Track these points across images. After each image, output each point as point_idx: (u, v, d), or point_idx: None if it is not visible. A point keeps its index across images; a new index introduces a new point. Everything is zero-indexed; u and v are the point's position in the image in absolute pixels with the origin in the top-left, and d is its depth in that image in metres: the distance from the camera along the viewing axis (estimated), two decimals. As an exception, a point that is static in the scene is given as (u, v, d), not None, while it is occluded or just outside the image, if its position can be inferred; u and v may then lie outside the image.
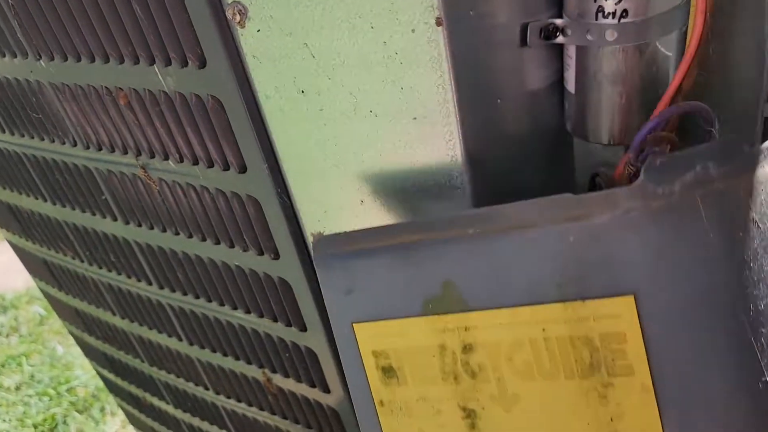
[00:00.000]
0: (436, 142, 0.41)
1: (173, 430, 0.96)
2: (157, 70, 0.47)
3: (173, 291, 0.68)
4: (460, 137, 0.41)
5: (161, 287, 0.69)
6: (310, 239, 0.53)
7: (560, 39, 0.48)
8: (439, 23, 0.36)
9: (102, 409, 1.79)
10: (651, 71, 0.48)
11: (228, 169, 0.50)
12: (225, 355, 0.71)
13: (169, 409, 0.91)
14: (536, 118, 0.52)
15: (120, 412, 1.60)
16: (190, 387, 0.82)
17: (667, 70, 0.46)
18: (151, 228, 0.62)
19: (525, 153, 0.52)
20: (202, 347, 0.73)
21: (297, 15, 0.40)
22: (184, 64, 0.45)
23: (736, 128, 0.56)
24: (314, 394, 0.66)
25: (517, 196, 0.52)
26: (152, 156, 0.54)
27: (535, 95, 0.51)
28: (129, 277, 0.71)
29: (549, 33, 0.48)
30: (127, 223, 0.64)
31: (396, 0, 0.36)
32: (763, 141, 0.56)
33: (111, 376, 1.01)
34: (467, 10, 0.38)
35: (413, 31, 0.37)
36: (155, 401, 0.94)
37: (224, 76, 0.44)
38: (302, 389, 0.67)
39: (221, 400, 0.79)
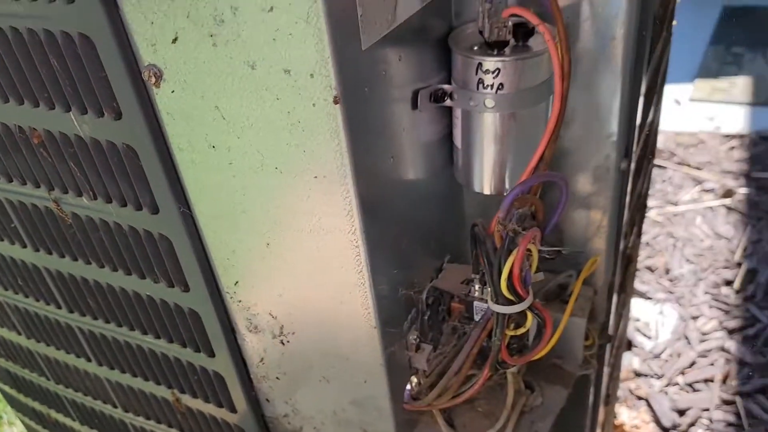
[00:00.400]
0: (335, 198, 0.46)
1: (78, 445, 0.96)
2: (72, 117, 0.49)
3: (83, 315, 0.69)
4: (355, 193, 0.46)
5: (71, 311, 0.70)
6: (219, 274, 0.57)
7: (448, 102, 0.55)
8: (336, 101, 0.41)
9: (-1, 420, 1.72)
10: (524, 134, 0.55)
11: (141, 209, 0.53)
12: (134, 375, 0.73)
13: (75, 425, 0.92)
14: (429, 167, 0.58)
15: (18, 422, 1.55)
16: (97, 404, 0.83)
17: (538, 133, 0.54)
18: (62, 256, 0.63)
19: (419, 198, 0.58)
20: (112, 368, 0.74)
21: (209, 82, 0.44)
22: (100, 114, 0.48)
23: (598, 178, 0.65)
24: (221, 413, 0.69)
25: (412, 235, 0.58)
26: (65, 192, 0.56)
27: (428, 148, 0.58)
28: (37, 300, 0.72)
29: (438, 97, 0.54)
30: (37, 250, 0.65)
31: (299, 78, 0.41)
32: (618, 191, 0.65)
33: (13, 392, 0.99)
34: (362, 87, 0.44)
35: (314, 105, 0.42)
36: (60, 417, 0.94)
37: (139, 128, 0.47)
38: (210, 409, 0.70)
39: (130, 418, 0.81)
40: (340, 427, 0.64)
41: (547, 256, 0.68)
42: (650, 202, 2.18)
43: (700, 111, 2.68)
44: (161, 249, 0.55)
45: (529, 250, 0.50)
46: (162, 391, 0.73)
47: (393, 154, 0.51)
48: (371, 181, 0.48)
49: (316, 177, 0.46)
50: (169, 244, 0.55)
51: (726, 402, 1.49)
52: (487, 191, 0.58)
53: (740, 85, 2.83)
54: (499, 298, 0.51)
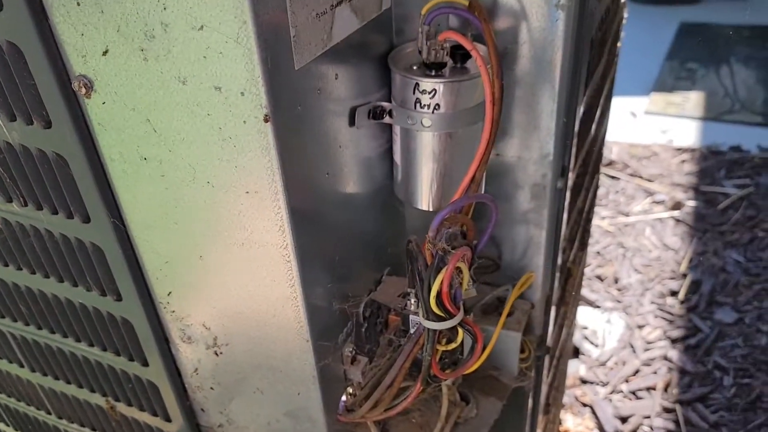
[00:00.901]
0: (266, 213, 0.47)
1: (13, 450, 0.94)
2: (1, 123, 0.48)
3: (15, 321, 0.68)
4: (287, 209, 0.46)
5: (2, 316, 0.68)
6: (153, 284, 0.56)
7: (387, 120, 0.55)
8: (266, 120, 0.42)
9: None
10: (461, 153, 0.56)
11: (72, 218, 0.52)
12: (68, 382, 0.72)
13: (9, 431, 0.89)
14: (369, 181, 0.59)
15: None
16: (31, 411, 0.81)
17: (475, 152, 0.55)
18: (-8, 261, 0.62)
19: (358, 212, 0.59)
20: (45, 374, 0.73)
21: (140, 95, 0.43)
22: (29, 122, 0.47)
23: (535, 196, 0.67)
24: (156, 422, 0.69)
25: (350, 248, 0.58)
26: (-5, 197, 0.55)
27: (368, 163, 0.58)
28: (-33, 304, 0.70)
29: (377, 114, 0.55)
30: (-34, 254, 0.63)
31: (229, 95, 0.41)
32: (555, 208, 0.67)
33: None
34: (295, 106, 0.44)
35: (245, 122, 0.42)
36: (-6, 422, 0.92)
37: (69, 137, 0.47)
38: (145, 417, 0.69)
39: (64, 424, 0.80)
40: (275, 437, 0.64)
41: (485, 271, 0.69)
42: (603, 212, 2.24)
43: (654, 124, 2.76)
44: (93, 258, 0.55)
45: (459, 268, 0.51)
46: (96, 399, 0.72)
47: (329, 171, 0.51)
48: (305, 196, 0.48)
49: (247, 192, 0.46)
50: (101, 253, 0.54)
51: (666, 410, 1.54)
52: (425, 207, 0.59)
53: (693, 99, 2.92)
54: (429, 314, 0.52)
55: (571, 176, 0.71)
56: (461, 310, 0.53)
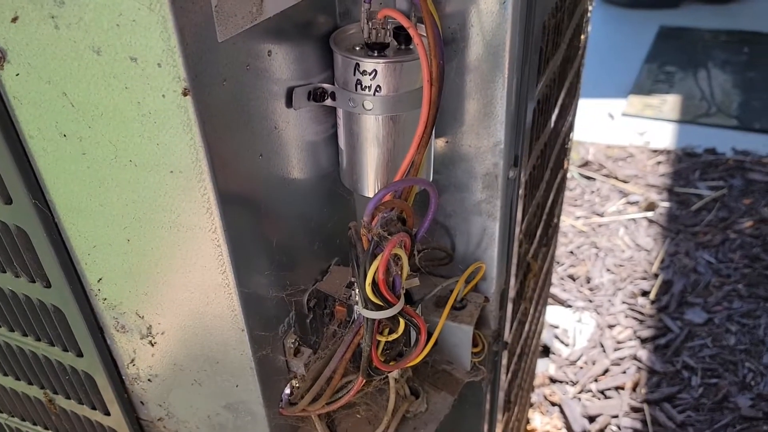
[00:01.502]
0: (193, 194, 0.45)
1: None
2: None
3: (-54, 310, 0.65)
4: (214, 190, 0.44)
5: (-67, 305, 0.66)
6: (83, 269, 0.54)
7: (329, 102, 0.54)
8: (186, 93, 0.40)
9: None
10: (405, 137, 0.54)
11: (-7, 200, 0.50)
12: (5, 374, 0.69)
13: (-50, 426, 0.86)
14: (311, 167, 0.57)
15: None
16: (-30, 405, 0.78)
17: (419, 138, 0.53)
18: None
19: (299, 198, 0.57)
20: (-19, 366, 0.70)
21: (54, 66, 0.41)
22: (-59, 95, 0.45)
23: (487, 186, 0.65)
24: (95, 415, 0.66)
25: (290, 236, 0.57)
26: None
27: (310, 147, 0.56)
28: None
29: (317, 96, 0.53)
30: None
31: (146, 67, 0.39)
32: (508, 199, 0.66)
33: None
34: (220, 81, 0.42)
35: (164, 96, 0.40)
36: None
37: (-17, 113, 0.44)
38: (84, 411, 0.67)
39: (4, 418, 0.77)
40: (215, 431, 0.62)
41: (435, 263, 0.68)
42: (577, 212, 2.24)
43: (631, 126, 2.77)
44: (18, 242, 0.52)
45: (397, 255, 0.49)
46: (34, 392, 0.69)
47: (262, 152, 0.49)
48: (234, 178, 0.46)
49: (171, 172, 0.44)
50: (26, 236, 0.52)
51: (634, 409, 1.54)
52: (371, 195, 0.58)
53: (670, 102, 2.93)
54: (366, 303, 0.50)
55: (525, 167, 0.69)
56: (401, 299, 0.52)
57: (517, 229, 0.73)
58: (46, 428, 0.74)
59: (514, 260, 0.75)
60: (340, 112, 0.55)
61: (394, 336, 0.54)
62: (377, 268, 0.47)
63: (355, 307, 0.59)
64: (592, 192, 2.34)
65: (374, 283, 0.48)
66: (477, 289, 0.72)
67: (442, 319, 0.62)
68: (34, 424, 0.75)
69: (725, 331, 1.70)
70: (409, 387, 0.68)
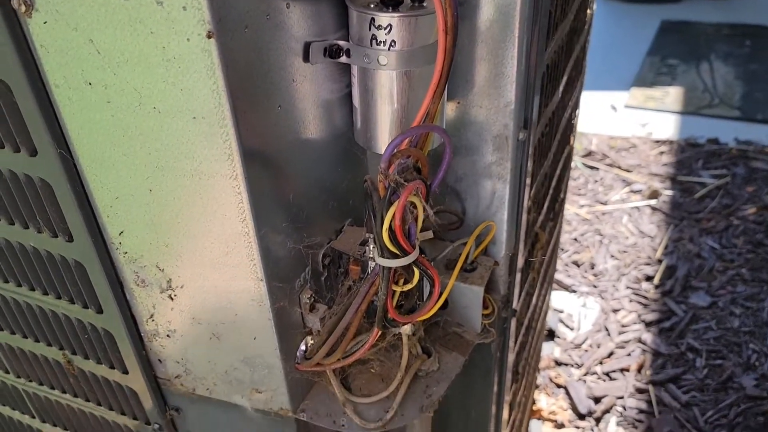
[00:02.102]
0: (215, 141, 0.46)
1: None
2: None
3: (-33, 271, 0.66)
4: (236, 137, 0.46)
5: (-46, 267, 0.67)
6: (104, 223, 0.55)
7: (344, 59, 0.55)
8: (210, 36, 0.41)
9: None
10: (418, 93, 0.56)
11: (19, 152, 0.51)
12: (24, 336, 0.71)
13: (-33, 395, 0.88)
14: (326, 124, 0.58)
15: None
16: (-11, 371, 0.80)
17: (432, 94, 0.54)
18: (-58, 205, 0.61)
19: (314, 155, 0.58)
20: (1, 329, 0.72)
21: (82, 12, 0.42)
22: (-30, 45, 0.46)
23: (498, 147, 0.66)
24: (114, 375, 0.68)
25: (306, 191, 0.58)
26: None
27: (325, 105, 0.57)
28: None
29: (333, 52, 0.54)
30: None
31: (172, 11, 0.41)
32: (518, 161, 0.67)
33: None
34: (242, 27, 0.43)
35: (188, 40, 0.42)
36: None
37: (11, 61, 0.46)
38: (102, 371, 0.68)
39: (22, 383, 0.78)
40: (232, 387, 0.63)
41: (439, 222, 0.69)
42: (581, 201, 2.25)
43: (634, 117, 2.78)
44: (42, 195, 0.54)
45: (413, 204, 0.50)
46: (53, 353, 0.70)
47: (281, 103, 0.50)
48: (255, 127, 0.48)
49: (194, 118, 0.45)
50: (50, 189, 0.53)
51: (639, 390, 1.55)
52: (381, 151, 0.59)
53: (672, 94, 2.94)
54: (383, 251, 0.51)
55: (534, 132, 0.71)
56: (416, 249, 0.53)
57: (526, 195, 0.74)
58: (64, 391, 0.76)
59: (523, 226, 0.76)
60: (354, 70, 0.56)
61: (409, 286, 0.55)
62: (394, 215, 0.49)
63: (371, 263, 0.60)
64: (596, 181, 2.35)
65: (391, 230, 0.50)
66: (487, 253, 0.73)
67: (453, 276, 0.63)
68: (52, 388, 0.76)
69: (729, 314, 1.71)
70: (422, 347, 0.69)
